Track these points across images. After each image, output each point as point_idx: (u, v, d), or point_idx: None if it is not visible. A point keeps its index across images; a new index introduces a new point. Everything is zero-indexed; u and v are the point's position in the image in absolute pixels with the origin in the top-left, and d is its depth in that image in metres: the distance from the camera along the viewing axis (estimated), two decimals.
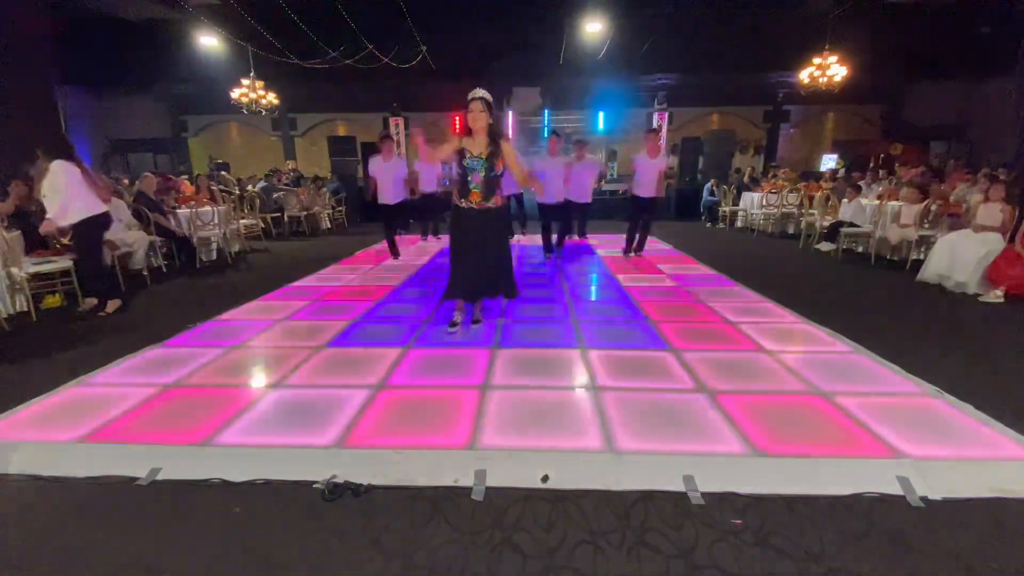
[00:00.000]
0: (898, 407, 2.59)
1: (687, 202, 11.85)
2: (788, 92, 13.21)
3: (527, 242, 8.33)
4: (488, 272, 3.77)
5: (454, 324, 3.81)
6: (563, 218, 7.21)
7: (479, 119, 3.46)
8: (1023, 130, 7.66)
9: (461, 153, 3.54)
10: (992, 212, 5.22)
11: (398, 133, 14.22)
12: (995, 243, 4.95)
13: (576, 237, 8.41)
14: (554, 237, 7.03)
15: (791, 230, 9.12)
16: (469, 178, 3.58)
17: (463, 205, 3.65)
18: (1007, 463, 2.13)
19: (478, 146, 3.52)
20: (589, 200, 7.95)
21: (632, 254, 6.98)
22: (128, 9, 11.02)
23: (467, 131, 3.54)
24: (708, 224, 11.09)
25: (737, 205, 10.40)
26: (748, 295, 4.89)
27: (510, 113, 14.56)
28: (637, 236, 6.97)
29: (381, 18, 10.85)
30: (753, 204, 9.75)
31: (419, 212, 8.78)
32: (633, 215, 6.95)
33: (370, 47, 11.35)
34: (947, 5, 10.94)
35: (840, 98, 12.10)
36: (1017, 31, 8.01)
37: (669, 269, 6.13)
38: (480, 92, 3.48)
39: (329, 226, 11.03)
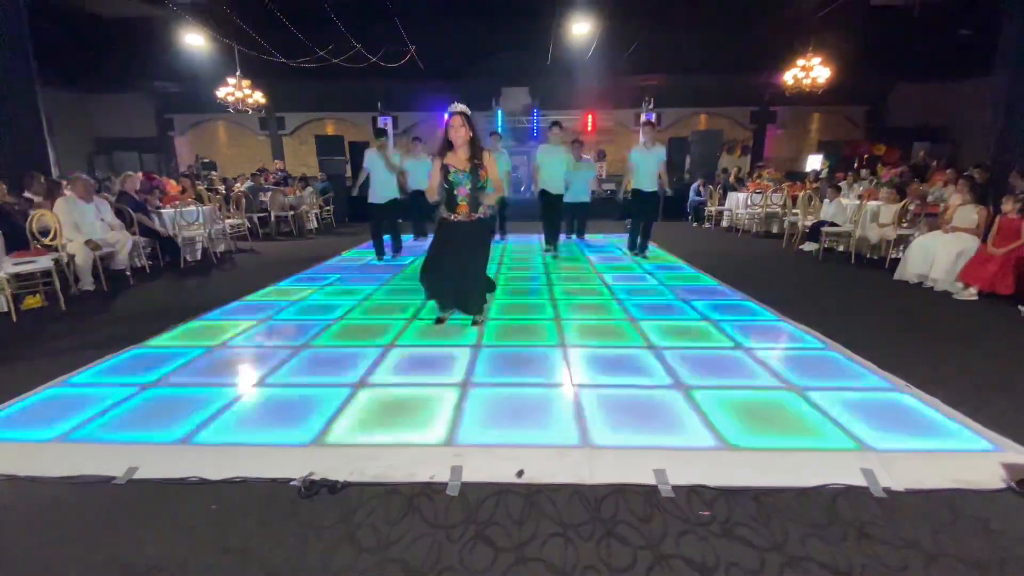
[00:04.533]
0: (868, 402, 2.65)
1: (674, 202, 11.92)
2: (774, 93, 13.37)
3: (513, 239, 8.37)
4: (463, 283, 3.77)
5: (475, 323, 3.92)
6: (559, 214, 7.15)
7: (459, 133, 3.51)
8: (1000, 131, 7.81)
9: (445, 169, 3.58)
10: (968, 214, 5.33)
11: (387, 129, 14.18)
12: (969, 242, 5.07)
13: (573, 237, 8.50)
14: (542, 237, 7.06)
15: (775, 230, 9.24)
16: (455, 192, 3.61)
17: (452, 219, 3.68)
18: (969, 455, 2.20)
19: (461, 160, 3.57)
20: (588, 199, 8.06)
21: (638, 253, 6.89)
22: (113, 7, 10.91)
23: (448, 145, 3.57)
24: (694, 224, 11.19)
25: (723, 205, 10.51)
26: (729, 294, 4.96)
27: (499, 112, 14.61)
28: (639, 237, 6.90)
29: (368, 18, 10.83)
30: (738, 204, 9.87)
31: (409, 211, 8.77)
32: (635, 211, 6.87)
33: (358, 47, 11.32)
34: (927, 8, 11.13)
35: (825, 99, 12.29)
36: (994, 33, 8.17)
37: (654, 268, 6.19)
38: (459, 107, 3.52)
39: (316, 226, 10.99)
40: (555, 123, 6.91)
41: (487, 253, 3.96)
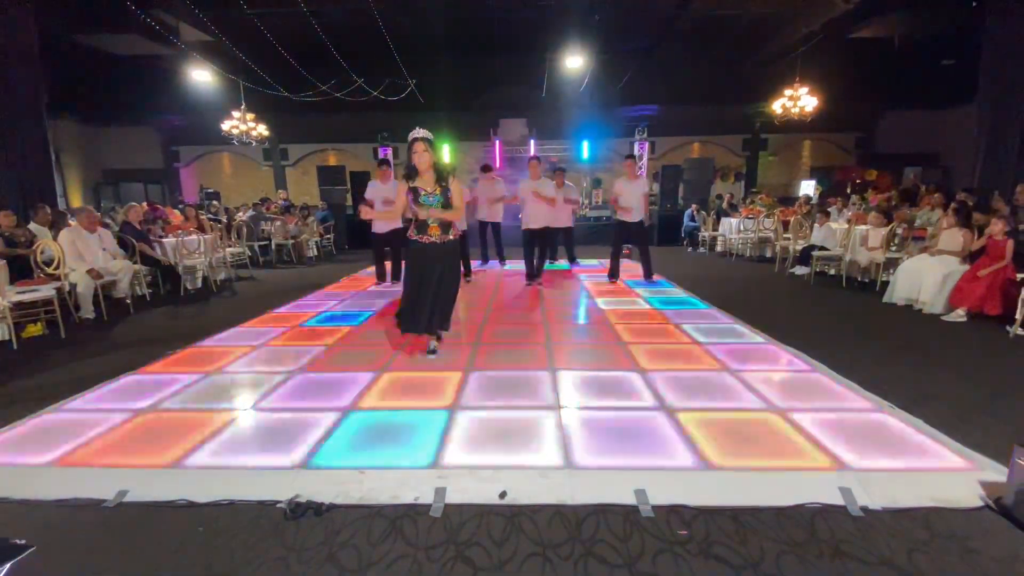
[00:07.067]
0: (850, 422, 2.69)
1: (668, 227, 12.11)
2: (765, 121, 13.69)
3: (510, 268, 8.47)
4: (435, 303, 3.74)
5: (432, 351, 3.89)
6: (545, 242, 7.28)
7: (423, 158, 3.56)
8: (984, 157, 8.00)
9: (415, 192, 3.63)
10: (953, 237, 5.43)
11: (388, 158, 14.49)
12: (954, 265, 5.15)
13: (565, 261, 8.62)
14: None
15: (768, 254, 9.34)
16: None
17: (424, 241, 3.69)
18: (947, 474, 2.23)
19: (428, 183, 3.62)
20: (571, 224, 8.21)
21: (639, 279, 6.96)
22: (123, 45, 11.31)
23: (414, 170, 3.62)
24: (689, 249, 11.32)
25: (717, 230, 10.66)
26: (720, 317, 5.02)
27: (497, 143, 14.96)
28: (641, 263, 7.01)
29: (370, 54, 11.20)
30: (732, 229, 10.01)
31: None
32: (618, 240, 7.00)
33: (359, 81, 11.69)
34: (909, 39, 11.51)
35: (815, 126, 12.59)
36: (976, 63, 8.44)
37: (647, 293, 6.26)
38: (421, 132, 3.57)
39: (316, 253, 11.13)
40: (533, 157, 7.11)
41: (458, 275, 3.97)
